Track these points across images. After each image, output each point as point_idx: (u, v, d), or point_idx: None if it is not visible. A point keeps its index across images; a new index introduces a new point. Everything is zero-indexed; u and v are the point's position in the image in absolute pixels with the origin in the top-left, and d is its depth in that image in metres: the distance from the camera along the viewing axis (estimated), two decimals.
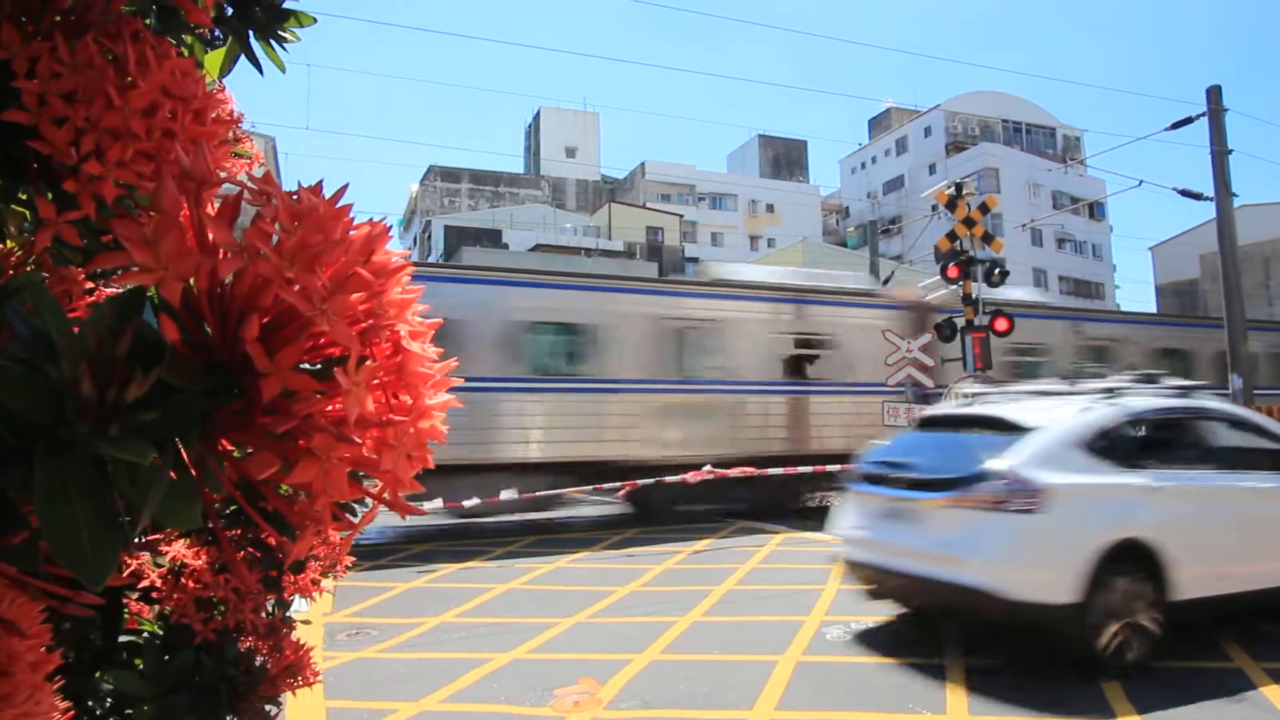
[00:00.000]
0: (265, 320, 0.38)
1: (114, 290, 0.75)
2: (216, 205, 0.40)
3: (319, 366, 0.40)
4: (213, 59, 0.89)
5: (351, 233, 0.39)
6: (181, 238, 0.36)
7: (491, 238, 38.71)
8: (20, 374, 0.35)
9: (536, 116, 60.03)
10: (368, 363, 0.38)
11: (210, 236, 0.37)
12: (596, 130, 59.46)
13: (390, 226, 0.41)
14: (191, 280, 0.37)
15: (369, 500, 0.47)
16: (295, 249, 0.36)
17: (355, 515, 0.51)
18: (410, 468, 0.41)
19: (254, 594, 1.31)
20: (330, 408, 0.39)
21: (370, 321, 0.39)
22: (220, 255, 0.37)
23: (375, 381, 0.40)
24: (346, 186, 0.40)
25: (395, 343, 0.41)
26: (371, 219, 0.41)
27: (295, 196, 0.39)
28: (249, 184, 0.39)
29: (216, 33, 1.03)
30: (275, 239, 0.37)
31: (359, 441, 0.39)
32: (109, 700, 1.26)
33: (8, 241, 0.70)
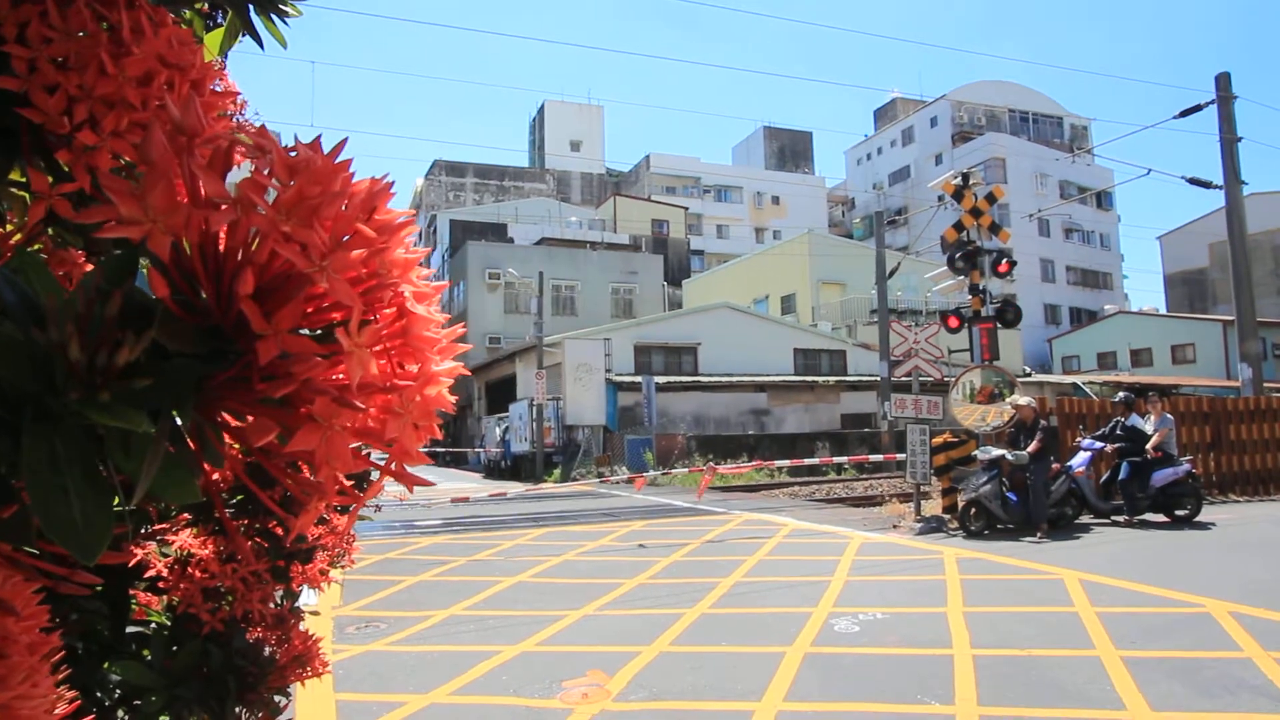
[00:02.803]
0: (262, 281, 0.36)
1: None
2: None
3: (319, 333, 0.39)
4: (213, 38, 0.88)
5: (351, 188, 0.37)
6: (171, 190, 0.34)
7: (496, 232, 38.73)
8: (5, 339, 0.34)
9: (541, 110, 59.91)
10: (371, 324, 0.36)
11: (202, 190, 0.35)
12: (601, 123, 59.30)
13: (393, 183, 0.39)
14: (184, 240, 0.35)
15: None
16: (292, 202, 0.35)
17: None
18: (417, 438, 0.39)
19: (262, 583, 1.30)
20: (333, 376, 0.37)
21: (373, 281, 0.37)
22: (212, 209, 0.35)
23: (379, 346, 0.38)
24: (346, 141, 0.38)
25: (399, 305, 0.39)
26: (373, 176, 0.39)
27: (292, 151, 0.37)
28: (243, 138, 0.37)
29: (218, 19, 1.01)
30: (271, 193, 0.35)
31: (362, 407, 0.38)
32: (117, 691, 1.26)
33: (7, 225, 0.69)
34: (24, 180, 0.66)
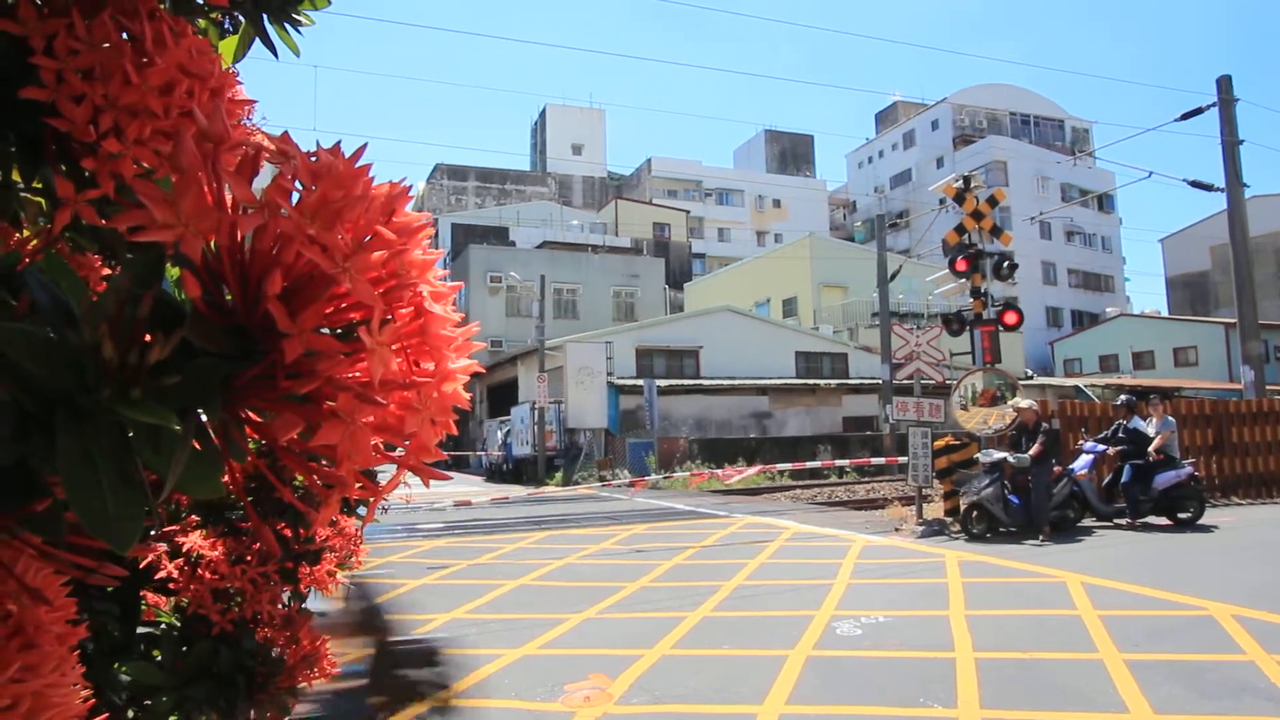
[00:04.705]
0: (287, 282, 0.37)
1: None
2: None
3: (341, 331, 0.40)
4: (226, 45, 0.90)
5: (371, 192, 0.39)
6: (201, 195, 0.36)
7: (498, 235, 38.77)
8: (41, 338, 0.35)
9: (542, 114, 60.03)
10: (391, 323, 0.38)
11: (230, 195, 0.37)
12: (602, 127, 59.41)
13: (410, 186, 0.40)
14: (212, 242, 0.37)
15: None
16: (316, 206, 0.36)
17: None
18: (434, 433, 0.41)
19: (270, 584, 1.31)
20: (354, 374, 0.39)
21: (393, 281, 0.39)
22: (240, 213, 0.37)
23: (398, 344, 0.39)
24: (365, 146, 0.40)
25: (417, 305, 0.40)
26: (391, 180, 0.40)
27: (314, 156, 0.38)
28: (267, 144, 0.39)
29: (228, 24, 1.03)
30: (296, 197, 0.37)
31: (384, 403, 0.39)
32: (127, 691, 1.27)
33: (24, 230, 0.71)
34: (40, 186, 0.68)
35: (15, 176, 0.64)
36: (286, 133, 0.40)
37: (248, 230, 0.37)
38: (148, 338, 0.37)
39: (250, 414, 0.41)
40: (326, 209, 0.36)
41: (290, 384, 0.38)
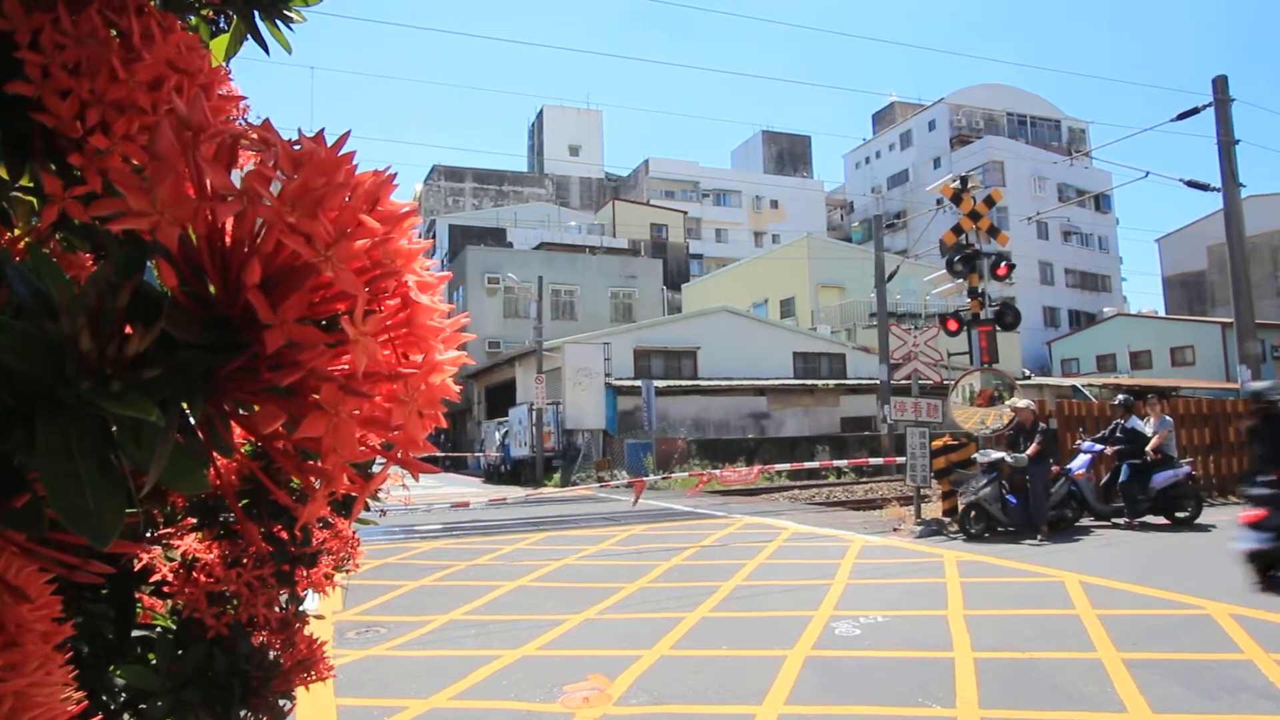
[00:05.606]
0: (268, 271, 0.37)
1: None
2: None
3: (325, 322, 0.39)
4: (218, 44, 0.89)
5: (355, 180, 0.38)
6: (178, 182, 0.35)
7: (495, 236, 38.76)
8: (19, 331, 0.35)
9: (539, 115, 60.06)
10: (376, 313, 0.37)
11: (208, 183, 0.37)
12: (600, 128, 59.46)
13: (395, 175, 0.40)
14: (191, 232, 0.36)
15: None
16: (297, 193, 0.36)
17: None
18: (422, 426, 0.40)
19: (267, 587, 1.31)
20: (339, 365, 0.38)
21: (378, 270, 0.38)
22: (219, 201, 0.36)
23: (384, 334, 0.39)
24: (349, 134, 0.39)
25: (403, 295, 0.40)
26: (376, 169, 0.40)
27: (296, 144, 0.38)
28: (248, 131, 0.38)
29: (221, 23, 1.03)
30: (277, 186, 0.36)
31: (368, 394, 0.39)
32: (122, 695, 1.26)
33: (15, 229, 0.70)
34: (29, 185, 0.67)
35: (3, 174, 0.63)
36: (268, 120, 0.40)
37: (226, 218, 0.36)
38: (129, 330, 0.36)
39: (234, 407, 0.40)
40: (308, 196, 0.36)
41: (272, 375, 0.37)
